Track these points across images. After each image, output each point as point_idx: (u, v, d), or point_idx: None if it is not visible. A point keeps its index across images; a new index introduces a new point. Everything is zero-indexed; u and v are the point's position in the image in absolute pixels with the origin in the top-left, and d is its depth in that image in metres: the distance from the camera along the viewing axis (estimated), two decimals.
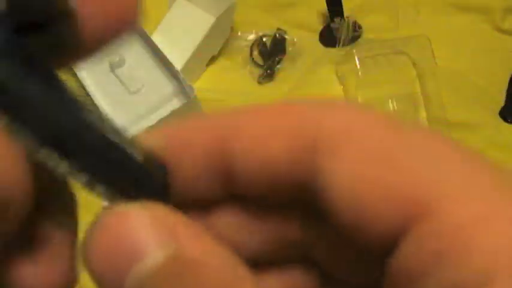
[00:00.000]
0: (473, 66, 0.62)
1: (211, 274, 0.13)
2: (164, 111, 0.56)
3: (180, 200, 0.15)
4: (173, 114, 0.56)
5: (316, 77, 0.64)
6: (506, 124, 0.59)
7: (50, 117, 0.12)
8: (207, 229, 0.14)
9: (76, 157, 0.13)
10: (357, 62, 0.62)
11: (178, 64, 0.60)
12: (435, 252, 0.12)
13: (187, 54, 0.63)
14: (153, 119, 0.56)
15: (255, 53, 0.66)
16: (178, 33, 0.64)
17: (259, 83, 0.65)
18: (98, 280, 0.13)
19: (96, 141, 0.13)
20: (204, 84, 0.65)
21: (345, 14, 0.65)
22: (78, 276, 0.15)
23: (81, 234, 0.14)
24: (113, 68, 0.62)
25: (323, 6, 0.65)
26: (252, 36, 0.67)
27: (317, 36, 0.67)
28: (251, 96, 0.63)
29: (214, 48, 0.66)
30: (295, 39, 0.66)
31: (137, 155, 0.14)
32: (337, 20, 0.65)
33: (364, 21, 0.66)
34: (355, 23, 0.66)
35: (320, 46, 0.66)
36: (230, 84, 0.65)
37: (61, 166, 0.13)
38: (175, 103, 0.60)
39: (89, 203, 0.16)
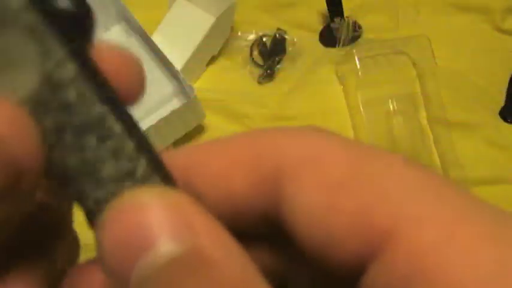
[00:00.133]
0: (473, 66, 0.62)
1: (228, 276, 0.12)
2: (164, 111, 0.56)
3: None
4: (173, 114, 0.56)
5: (316, 77, 0.64)
6: (506, 124, 0.59)
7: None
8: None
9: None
10: (357, 62, 0.62)
11: (178, 64, 0.60)
12: (403, 277, 0.12)
13: (187, 54, 0.63)
14: (153, 119, 0.56)
15: (255, 53, 0.66)
16: (178, 33, 0.64)
17: (259, 83, 0.65)
18: (107, 267, 0.13)
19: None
20: (204, 84, 0.65)
21: (345, 14, 0.65)
22: None
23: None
24: None
25: (323, 6, 0.65)
26: (252, 36, 0.67)
27: (317, 36, 0.67)
28: (251, 96, 0.63)
29: (214, 48, 0.66)
30: (295, 39, 0.66)
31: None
32: (337, 20, 0.65)
33: (364, 21, 0.66)
34: (355, 23, 0.66)
35: (320, 46, 0.66)
36: (230, 84, 0.65)
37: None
38: (175, 103, 0.60)
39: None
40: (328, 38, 0.66)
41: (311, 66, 0.65)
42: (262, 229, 0.15)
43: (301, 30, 0.67)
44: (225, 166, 0.15)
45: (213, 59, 0.67)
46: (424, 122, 0.60)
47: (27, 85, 0.13)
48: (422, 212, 0.13)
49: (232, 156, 0.15)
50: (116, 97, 0.14)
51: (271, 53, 0.65)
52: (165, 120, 0.56)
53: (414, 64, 0.63)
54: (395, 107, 0.61)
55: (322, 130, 0.15)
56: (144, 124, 0.57)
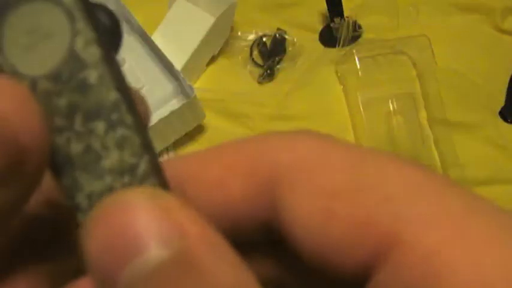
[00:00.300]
0: (473, 66, 0.62)
1: (220, 281, 0.11)
2: (164, 111, 0.56)
3: None
4: (173, 114, 0.56)
5: (316, 77, 0.64)
6: (506, 124, 0.59)
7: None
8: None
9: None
10: (357, 62, 0.62)
11: (178, 64, 0.60)
12: (415, 280, 0.12)
13: (187, 54, 0.63)
14: (153, 119, 0.56)
15: (255, 53, 0.66)
16: (178, 33, 0.64)
17: (259, 83, 0.65)
18: (93, 273, 0.12)
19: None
20: (204, 84, 0.65)
21: (345, 14, 0.65)
22: None
23: None
24: None
25: (323, 6, 0.65)
26: (252, 36, 0.67)
27: (317, 36, 0.67)
28: (251, 96, 0.63)
29: (214, 48, 0.66)
30: (295, 39, 0.66)
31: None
32: (337, 20, 0.65)
33: (364, 21, 0.66)
34: (355, 23, 0.66)
35: (320, 46, 0.66)
36: (230, 84, 0.65)
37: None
38: (175, 103, 0.60)
39: None
40: (328, 38, 0.66)
41: (311, 66, 0.65)
42: (259, 237, 0.15)
43: (301, 30, 0.67)
44: (220, 175, 0.15)
45: (213, 59, 0.67)
46: (424, 122, 0.60)
47: (52, 60, 0.13)
48: (425, 213, 0.13)
49: (227, 165, 0.15)
50: (130, 92, 0.14)
51: (271, 53, 0.65)
52: (165, 120, 0.56)
53: (414, 64, 0.63)
54: (395, 107, 0.61)
55: (318, 134, 0.15)
56: None
